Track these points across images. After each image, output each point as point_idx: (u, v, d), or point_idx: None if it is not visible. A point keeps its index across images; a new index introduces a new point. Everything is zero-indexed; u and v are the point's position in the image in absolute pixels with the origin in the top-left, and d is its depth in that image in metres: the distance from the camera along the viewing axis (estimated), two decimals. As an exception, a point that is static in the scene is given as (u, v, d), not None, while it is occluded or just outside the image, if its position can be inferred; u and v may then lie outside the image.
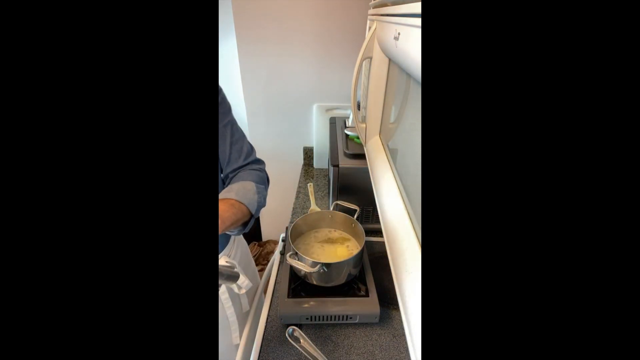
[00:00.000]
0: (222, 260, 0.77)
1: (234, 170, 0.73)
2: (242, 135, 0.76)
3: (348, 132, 1.13)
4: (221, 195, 0.65)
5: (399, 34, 0.45)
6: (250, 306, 0.95)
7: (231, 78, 1.42)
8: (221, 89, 0.72)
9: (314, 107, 1.41)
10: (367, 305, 0.76)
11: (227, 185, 0.72)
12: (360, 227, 0.83)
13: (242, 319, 0.88)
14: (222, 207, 0.61)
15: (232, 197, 0.65)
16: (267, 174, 0.78)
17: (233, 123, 0.73)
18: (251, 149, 0.77)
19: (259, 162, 0.78)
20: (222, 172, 0.74)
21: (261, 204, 0.71)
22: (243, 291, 0.81)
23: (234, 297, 0.83)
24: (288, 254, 0.74)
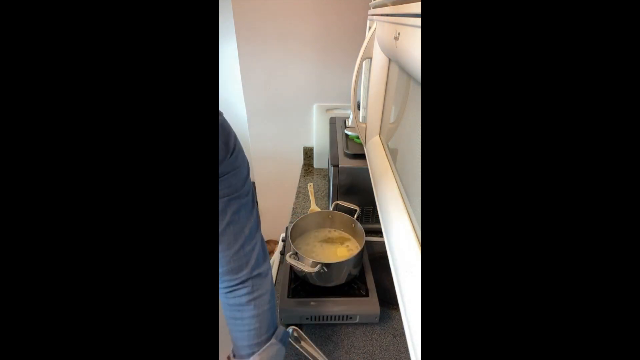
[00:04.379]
0: None
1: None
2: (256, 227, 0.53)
3: (348, 132, 1.13)
4: None
5: (399, 34, 0.45)
6: None
7: (231, 78, 1.42)
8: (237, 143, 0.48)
9: (314, 107, 1.41)
10: (367, 305, 0.76)
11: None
12: (360, 227, 0.83)
13: None
14: None
15: None
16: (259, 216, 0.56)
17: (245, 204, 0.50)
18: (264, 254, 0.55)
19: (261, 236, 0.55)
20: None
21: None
22: None
23: None
24: (288, 254, 0.74)
